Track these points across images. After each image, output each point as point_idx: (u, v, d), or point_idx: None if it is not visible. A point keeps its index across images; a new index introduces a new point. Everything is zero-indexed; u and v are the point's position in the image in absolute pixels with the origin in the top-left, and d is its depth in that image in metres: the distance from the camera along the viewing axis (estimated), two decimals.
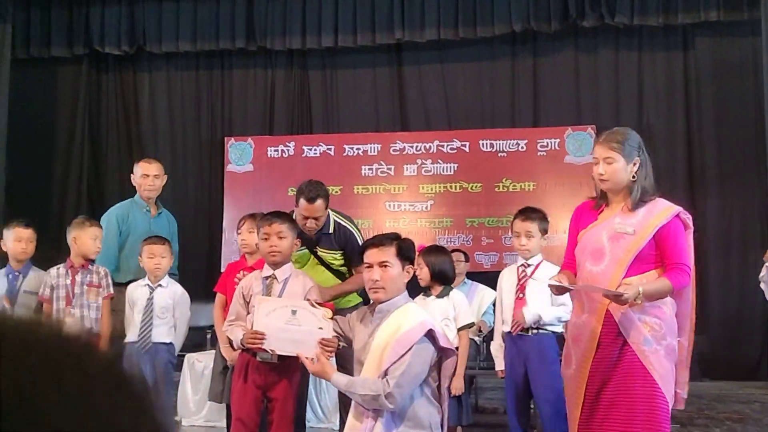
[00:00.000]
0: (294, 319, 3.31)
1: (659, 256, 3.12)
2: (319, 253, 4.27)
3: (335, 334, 3.31)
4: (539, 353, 4.02)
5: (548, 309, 4.03)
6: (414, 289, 3.68)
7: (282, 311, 3.36)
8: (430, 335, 3.00)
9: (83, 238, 4.44)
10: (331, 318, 3.33)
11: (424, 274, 4.24)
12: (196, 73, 8.90)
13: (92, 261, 4.50)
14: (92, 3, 8.49)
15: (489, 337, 5.65)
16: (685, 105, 8.01)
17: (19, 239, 4.45)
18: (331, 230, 4.35)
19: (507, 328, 4.11)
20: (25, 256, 4.47)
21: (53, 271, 4.43)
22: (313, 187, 4.24)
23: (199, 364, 5.63)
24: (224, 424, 5.39)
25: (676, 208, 3.17)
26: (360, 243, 4.41)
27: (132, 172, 5.31)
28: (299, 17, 8.32)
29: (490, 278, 6.81)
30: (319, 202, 4.19)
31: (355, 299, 4.30)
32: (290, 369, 3.56)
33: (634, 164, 3.16)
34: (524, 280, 4.10)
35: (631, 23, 7.78)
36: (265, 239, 3.68)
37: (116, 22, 8.50)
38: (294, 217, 4.18)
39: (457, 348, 4.11)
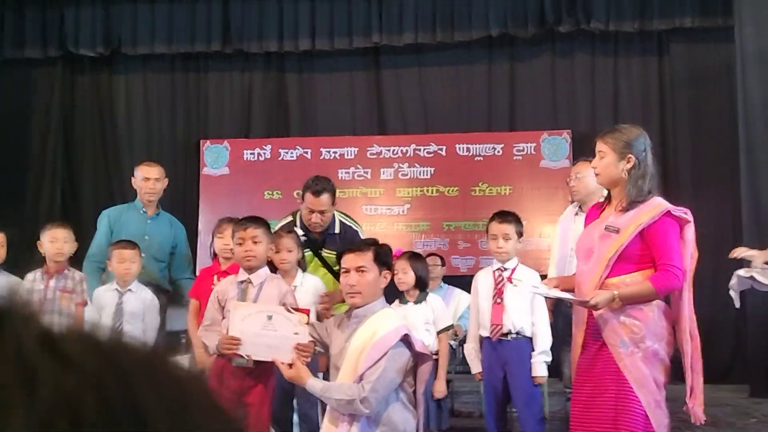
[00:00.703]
0: (270, 324, 3.29)
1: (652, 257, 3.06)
2: (324, 255, 4.27)
3: (311, 339, 3.30)
4: (519, 358, 4.03)
5: (527, 314, 4.04)
6: (389, 294, 3.68)
7: (257, 316, 3.33)
8: (406, 340, 3.00)
9: (44, 240, 4.40)
10: (307, 323, 3.32)
11: (408, 279, 4.24)
12: (171, 76, 8.83)
13: (70, 266, 4.46)
14: (66, 4, 8.40)
15: (465, 341, 5.67)
16: (660, 110, 8.08)
17: None
18: (336, 230, 4.42)
19: (485, 333, 4.11)
20: None
21: (30, 275, 4.38)
22: (320, 181, 4.32)
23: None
24: None
25: (665, 207, 3.09)
26: None
27: (133, 175, 5.23)
28: (276, 20, 8.29)
29: (466, 282, 6.80)
30: (325, 197, 4.27)
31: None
32: (265, 373, 3.55)
33: (627, 161, 3.12)
34: (502, 285, 4.10)
35: (607, 29, 7.84)
36: (240, 244, 3.67)
37: (91, 24, 8.42)
38: (299, 214, 4.22)
39: (437, 352, 4.13)
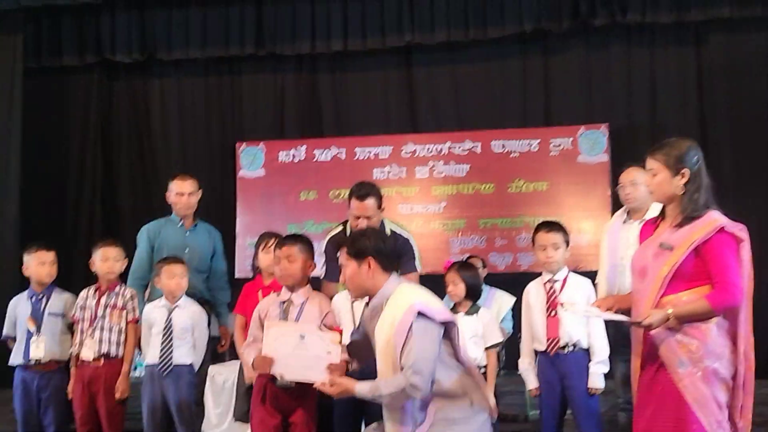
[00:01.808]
0: (302, 344, 3.32)
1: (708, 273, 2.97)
2: None
3: (344, 359, 3.32)
4: (578, 370, 4.00)
5: (583, 325, 4.00)
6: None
7: (290, 336, 3.37)
8: (425, 315, 2.97)
9: (95, 259, 4.44)
10: (340, 342, 3.32)
11: (459, 291, 4.23)
12: (206, 80, 8.89)
13: (122, 283, 4.51)
14: (102, 12, 8.47)
15: (508, 346, 5.65)
16: (699, 102, 7.96)
17: (42, 263, 4.46)
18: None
19: (540, 347, 4.07)
20: (49, 279, 4.49)
21: (83, 292, 4.45)
22: (364, 186, 4.28)
23: (220, 377, 5.63)
24: None
25: (721, 222, 2.99)
26: (417, 254, 4.44)
27: (167, 189, 5.23)
28: (308, 22, 8.29)
29: (505, 280, 6.82)
30: (371, 201, 4.19)
31: None
32: (309, 392, 3.55)
33: (682, 176, 3.03)
34: (554, 297, 4.05)
35: (643, 21, 7.73)
36: (278, 263, 3.70)
37: (126, 31, 8.50)
38: (349, 222, 4.20)
39: (484, 366, 4.12)
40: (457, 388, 3.03)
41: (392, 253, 3.26)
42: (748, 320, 2.97)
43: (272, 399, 3.59)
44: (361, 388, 3.08)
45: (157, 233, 4.99)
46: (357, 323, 3.64)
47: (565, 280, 4.08)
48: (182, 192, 4.99)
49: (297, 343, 3.33)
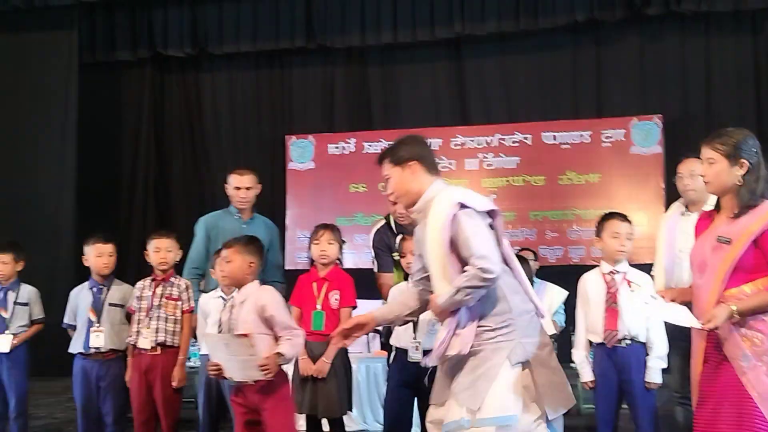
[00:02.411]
0: (230, 351, 3.45)
1: None
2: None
3: (269, 356, 3.39)
4: (636, 364, 3.93)
5: (642, 319, 3.94)
6: None
7: (220, 345, 3.53)
8: (465, 206, 2.90)
9: (149, 250, 4.51)
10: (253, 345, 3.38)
11: None
12: (256, 73, 8.97)
13: (177, 274, 4.57)
14: (155, 6, 8.62)
15: (560, 340, 5.61)
16: (756, 92, 7.79)
17: (100, 254, 4.54)
18: None
19: (596, 339, 4.02)
20: (107, 271, 4.56)
21: (140, 283, 4.52)
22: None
23: None
24: (297, 427, 5.47)
25: None
26: None
27: (226, 182, 5.26)
28: (358, 14, 8.32)
29: (555, 272, 6.75)
30: None
31: None
32: (274, 384, 3.51)
33: (741, 166, 2.93)
34: (615, 289, 3.98)
35: (699, 9, 7.58)
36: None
37: (178, 25, 8.63)
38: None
39: None
40: (497, 291, 2.92)
41: (434, 157, 3.16)
42: None
43: (246, 394, 3.55)
44: (441, 298, 2.87)
45: (214, 224, 5.02)
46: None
47: (625, 273, 4.02)
48: (239, 186, 5.01)
49: (226, 350, 3.46)
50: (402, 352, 4.00)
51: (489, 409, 2.82)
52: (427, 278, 3.07)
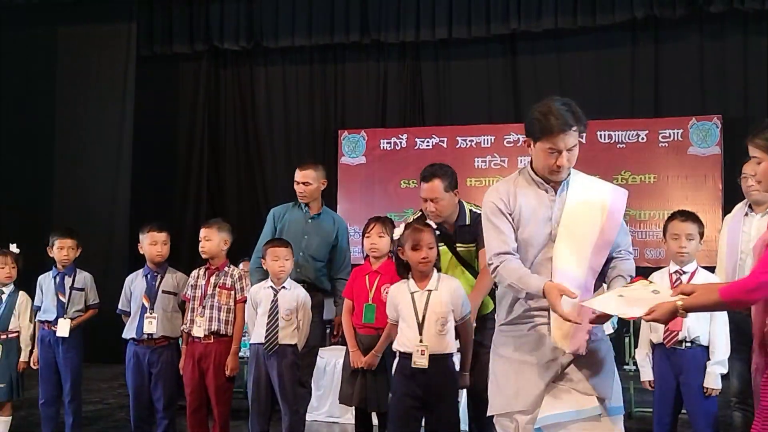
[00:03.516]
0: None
1: None
2: (459, 250, 4.09)
3: None
4: (695, 367, 3.84)
5: (706, 322, 3.84)
6: None
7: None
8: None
9: (201, 239, 4.58)
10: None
11: None
12: (310, 67, 9.01)
13: (230, 263, 4.61)
14: (211, 0, 8.69)
15: (614, 340, 5.51)
16: None
17: (154, 242, 4.59)
18: (467, 221, 4.14)
19: (657, 339, 3.93)
20: (161, 258, 4.61)
21: (195, 272, 4.57)
22: (430, 167, 4.14)
23: (321, 360, 5.69)
24: (346, 420, 5.48)
25: None
26: None
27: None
28: (413, 10, 8.29)
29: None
30: (436, 182, 4.04)
31: (490, 304, 4.05)
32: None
33: None
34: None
35: (763, 8, 7.39)
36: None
37: (234, 19, 8.71)
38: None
39: None
40: None
41: None
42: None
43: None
44: (693, 303, 2.59)
45: (281, 216, 5.04)
46: (417, 313, 3.56)
47: (693, 274, 3.91)
48: (298, 180, 5.03)
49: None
50: (405, 358, 3.60)
51: (616, 396, 2.80)
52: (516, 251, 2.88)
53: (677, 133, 7.77)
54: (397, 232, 3.80)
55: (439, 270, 3.72)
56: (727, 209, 4.99)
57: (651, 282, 2.81)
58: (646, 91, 8.13)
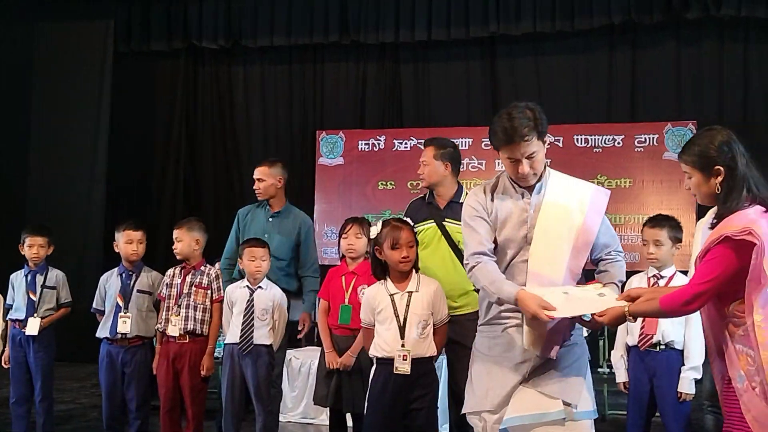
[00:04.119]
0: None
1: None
2: (447, 226, 4.05)
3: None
4: (668, 371, 3.87)
5: (681, 326, 3.88)
6: None
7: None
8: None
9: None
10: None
11: None
12: (289, 67, 8.98)
13: (206, 263, 4.58)
14: None
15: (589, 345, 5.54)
16: None
17: (130, 241, 4.56)
18: (461, 199, 4.11)
19: (632, 342, 3.96)
20: (136, 257, 4.58)
21: (170, 270, 4.54)
22: (432, 138, 4.35)
23: (296, 361, 5.69)
24: (320, 421, 5.47)
25: (725, 232, 2.51)
26: None
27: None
28: (392, 11, 8.30)
29: (586, 276, 6.67)
30: (429, 148, 4.18)
31: (474, 302, 3.71)
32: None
33: (717, 175, 2.57)
34: None
35: (738, 15, 7.47)
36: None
37: (213, 17, 8.66)
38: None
39: None
40: None
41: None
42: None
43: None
44: (637, 309, 2.65)
45: (245, 216, 5.04)
46: (399, 316, 3.45)
47: (671, 278, 3.94)
48: (254, 177, 5.07)
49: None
50: (384, 364, 3.46)
51: (585, 402, 2.80)
52: (493, 252, 2.91)
53: (653, 138, 7.84)
54: (374, 231, 3.72)
55: (417, 270, 3.61)
56: (700, 214, 5.05)
57: (603, 286, 2.85)
58: (623, 95, 8.19)
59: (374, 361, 3.52)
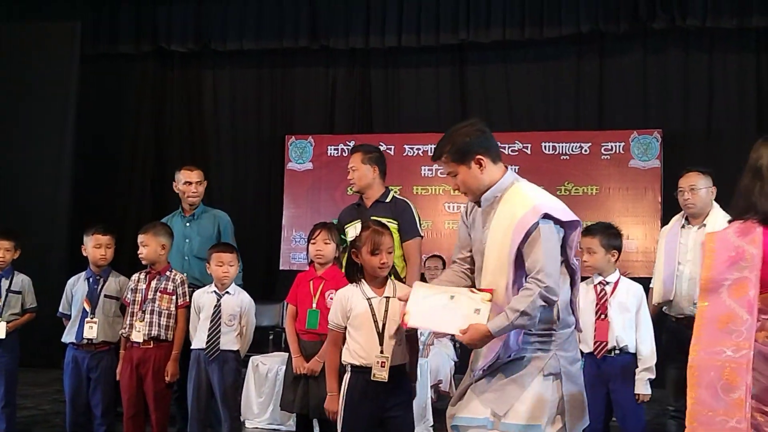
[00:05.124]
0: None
1: None
2: (373, 218, 4.12)
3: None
4: (624, 374, 3.93)
5: (632, 330, 3.94)
6: None
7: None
8: (550, 216, 2.82)
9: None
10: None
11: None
12: (258, 71, 8.95)
13: (172, 268, 4.55)
14: (159, 1, 8.58)
15: None
16: (758, 110, 7.76)
17: (98, 245, 4.52)
18: (387, 200, 4.63)
19: (586, 349, 4.02)
20: (104, 262, 4.54)
21: (135, 275, 4.50)
22: (358, 144, 4.78)
23: (263, 367, 5.67)
24: (287, 427, 5.44)
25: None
26: (417, 219, 4.59)
27: (174, 179, 5.33)
28: (363, 16, 8.31)
29: None
30: (357, 154, 4.68)
31: None
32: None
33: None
34: (605, 300, 3.99)
35: (703, 25, 7.58)
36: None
37: (182, 20, 8.60)
38: None
39: None
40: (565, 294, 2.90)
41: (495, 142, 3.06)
42: None
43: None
44: (496, 324, 2.75)
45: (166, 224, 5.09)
46: (377, 321, 3.36)
47: (616, 284, 4.02)
48: (190, 181, 5.10)
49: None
50: (361, 372, 3.34)
51: (515, 415, 2.80)
52: (467, 260, 3.10)
53: (619, 145, 7.93)
54: (353, 233, 3.72)
55: (394, 276, 3.58)
56: (665, 221, 5.13)
57: (489, 300, 2.89)
58: (591, 103, 8.28)
59: (348, 369, 3.41)
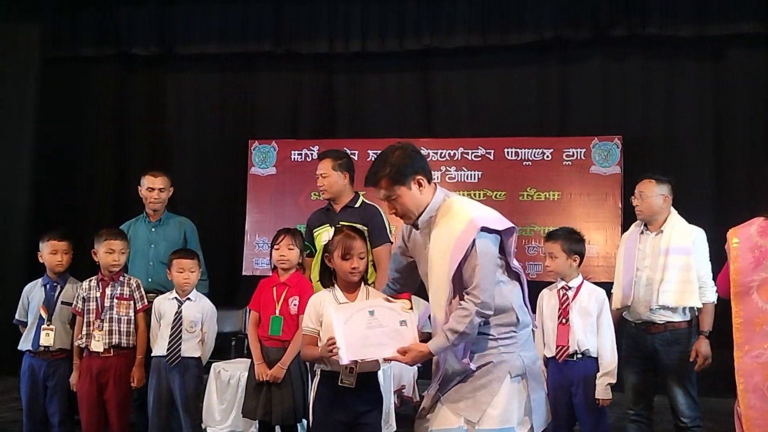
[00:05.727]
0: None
1: None
2: (341, 224, 4.06)
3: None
4: (585, 378, 3.97)
5: (593, 334, 3.98)
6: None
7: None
8: (487, 229, 2.87)
9: (99, 250, 4.45)
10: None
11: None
12: (222, 75, 8.88)
13: (125, 273, 4.50)
14: (121, 3, 8.48)
15: None
16: (715, 118, 7.90)
17: (55, 251, 4.46)
18: (357, 205, 4.68)
19: (549, 354, 4.05)
20: (61, 268, 4.48)
21: (85, 283, 4.43)
22: (327, 150, 4.85)
23: (225, 373, 5.61)
24: None
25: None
26: (386, 224, 4.60)
27: (140, 185, 5.31)
28: (327, 21, 8.29)
29: None
30: (327, 161, 4.71)
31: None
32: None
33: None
34: (567, 304, 4.03)
35: (662, 33, 7.69)
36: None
37: (145, 24, 8.50)
38: None
39: None
40: (505, 302, 2.93)
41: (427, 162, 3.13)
42: None
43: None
44: (437, 344, 2.85)
45: (127, 230, 5.05)
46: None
47: (578, 288, 4.07)
48: (153, 187, 5.08)
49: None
50: (330, 377, 3.32)
51: (489, 421, 2.83)
52: (398, 280, 3.23)
53: (580, 152, 8.00)
54: (326, 237, 3.72)
55: (365, 282, 3.51)
56: (625, 227, 5.19)
57: (410, 308, 2.99)
58: (553, 109, 8.35)
59: (317, 374, 3.38)
